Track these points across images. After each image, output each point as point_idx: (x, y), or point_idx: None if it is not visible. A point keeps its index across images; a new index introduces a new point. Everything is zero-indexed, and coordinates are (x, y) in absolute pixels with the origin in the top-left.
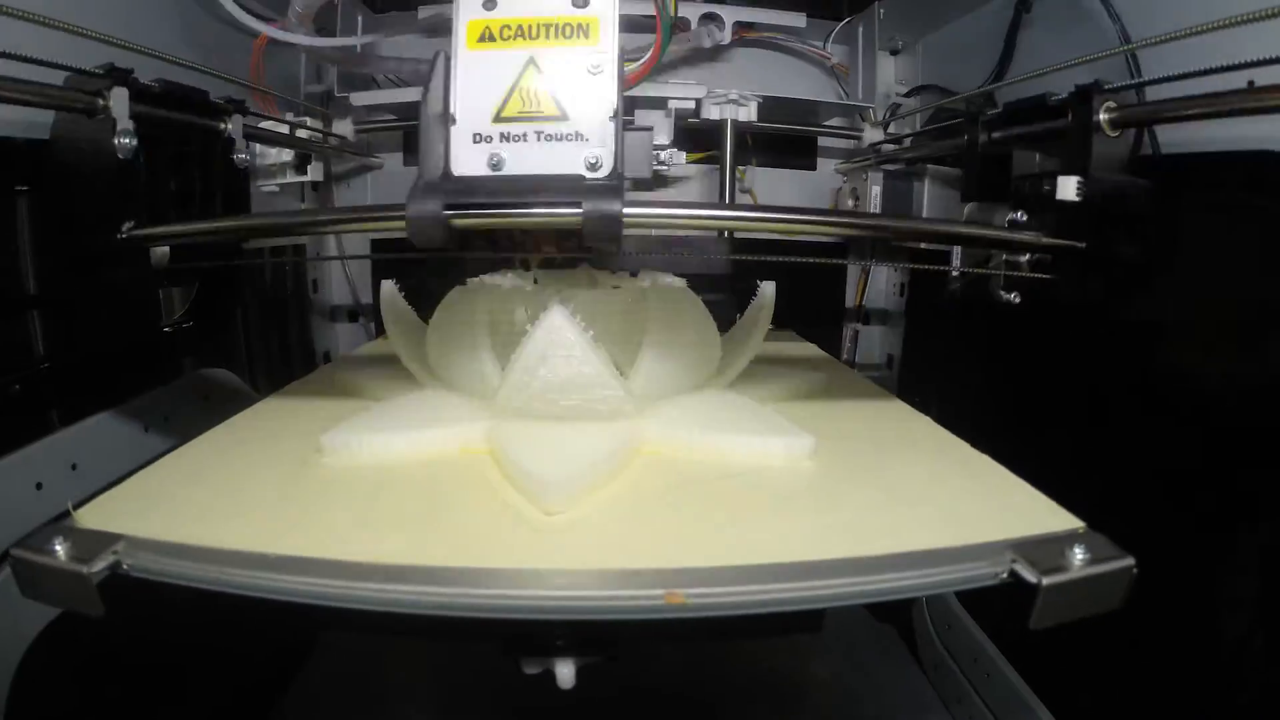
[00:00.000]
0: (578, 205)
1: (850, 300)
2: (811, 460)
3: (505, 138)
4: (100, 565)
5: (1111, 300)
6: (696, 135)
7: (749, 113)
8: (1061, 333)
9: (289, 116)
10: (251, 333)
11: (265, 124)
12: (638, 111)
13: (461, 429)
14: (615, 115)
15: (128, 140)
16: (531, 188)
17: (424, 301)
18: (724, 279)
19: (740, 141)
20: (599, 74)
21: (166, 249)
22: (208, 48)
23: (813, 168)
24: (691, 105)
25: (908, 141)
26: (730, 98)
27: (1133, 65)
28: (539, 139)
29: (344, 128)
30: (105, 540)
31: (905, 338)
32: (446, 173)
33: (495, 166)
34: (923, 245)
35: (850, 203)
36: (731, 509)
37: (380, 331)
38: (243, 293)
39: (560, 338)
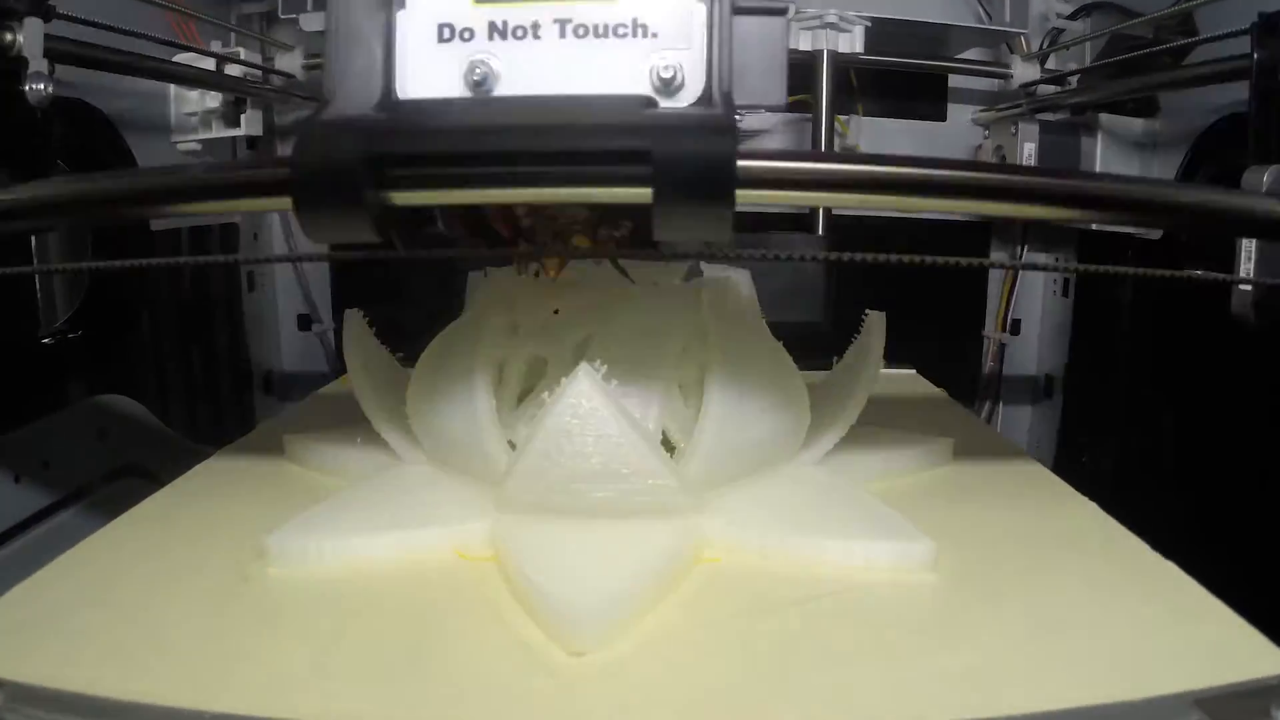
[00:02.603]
0: (643, 157)
1: (993, 302)
2: (932, 573)
3: (498, 31)
4: None
5: None
6: None
7: (853, 41)
8: None
9: (216, 46)
10: (164, 346)
11: (182, 56)
12: None
13: (457, 528)
14: None
15: None
16: (551, 123)
17: (409, 336)
18: (805, 285)
19: (841, 82)
20: None
21: None
22: None
23: (941, 117)
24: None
25: (1073, 81)
26: (827, 20)
27: None
28: (562, 33)
29: (291, 62)
30: None
31: (1071, 354)
32: (386, 97)
33: (479, 85)
34: (1093, 227)
35: None
36: (821, 646)
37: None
38: (151, 291)
39: (589, 411)
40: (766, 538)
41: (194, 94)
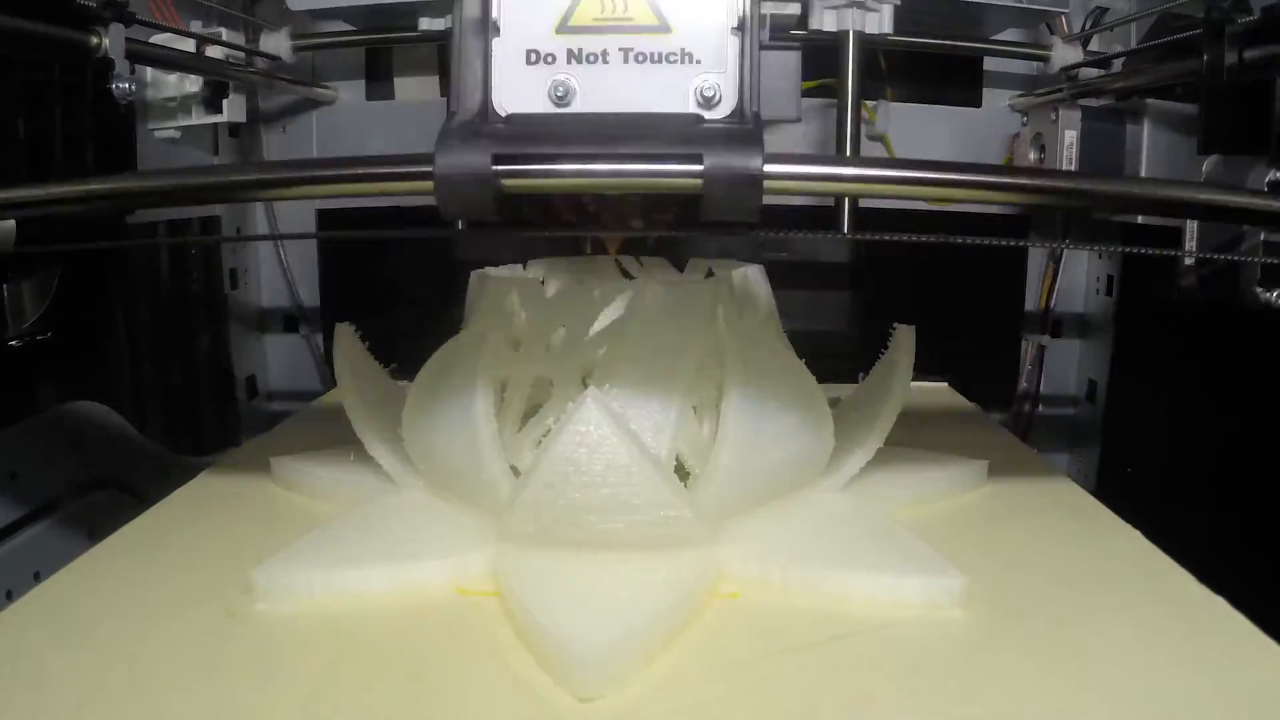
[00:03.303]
0: (696, 160)
1: (1033, 300)
2: (962, 610)
3: (575, 57)
4: None
5: None
6: (804, 57)
7: (881, 21)
8: None
9: (196, 26)
10: (140, 349)
11: (160, 37)
12: None
13: (456, 560)
14: (743, 27)
15: None
16: (623, 132)
17: (403, 337)
18: (830, 291)
19: (869, 65)
20: None
21: (12, 224)
22: None
23: (975, 103)
24: (795, 10)
25: (1118, 65)
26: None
27: None
28: (625, 59)
29: (277, 43)
30: None
31: (1115, 356)
32: (485, 109)
33: (561, 100)
34: (1139, 220)
35: (1033, 154)
36: (844, 691)
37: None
38: (126, 290)
39: (598, 440)
40: (788, 571)
41: (172, 78)
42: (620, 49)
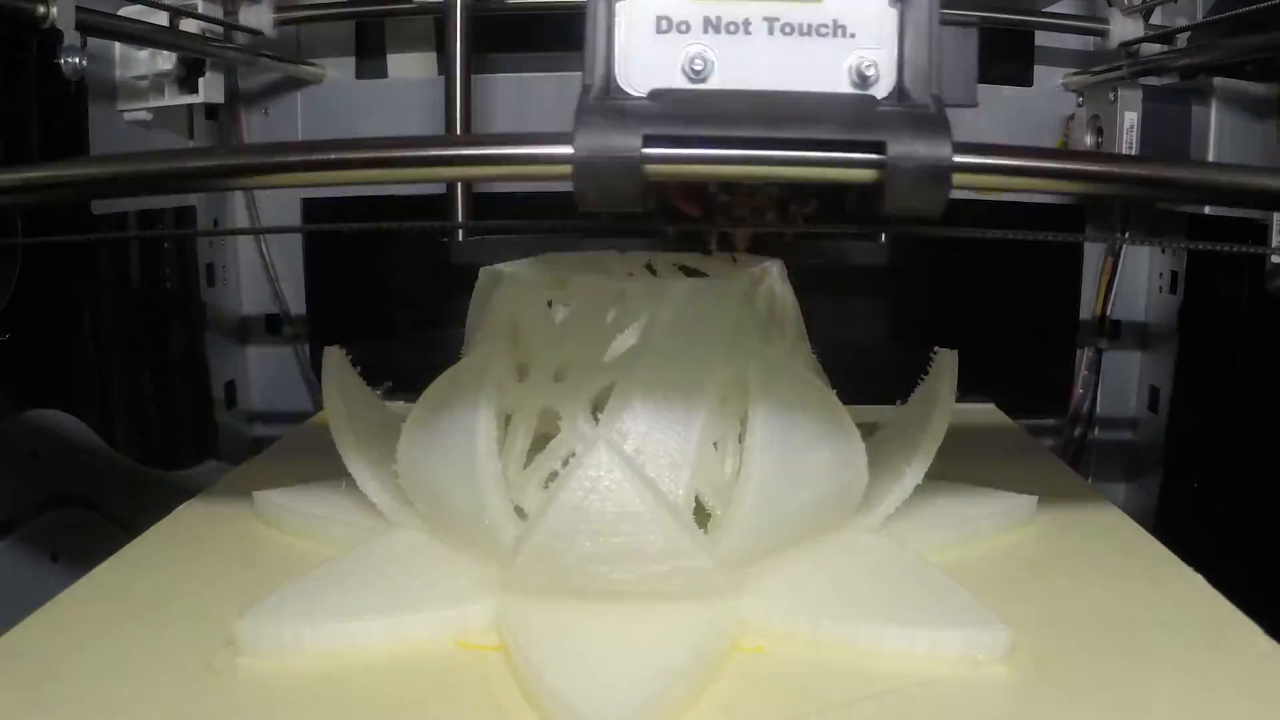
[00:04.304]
0: (877, 147)
1: (1088, 304)
2: (1005, 666)
3: (713, 26)
4: None
5: None
6: None
7: None
8: None
9: None
10: (108, 352)
11: (131, 10)
12: None
13: (456, 612)
14: None
15: None
16: (787, 113)
17: (395, 338)
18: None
19: None
20: None
21: None
22: None
23: (1026, 82)
24: None
25: (1183, 39)
26: None
27: None
28: (770, 30)
29: (258, 16)
30: None
31: (1179, 363)
32: (608, 84)
33: (697, 75)
34: (1206, 210)
35: (1089, 138)
36: None
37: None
38: (93, 287)
39: (610, 487)
40: (817, 623)
41: (143, 54)
42: (765, 18)
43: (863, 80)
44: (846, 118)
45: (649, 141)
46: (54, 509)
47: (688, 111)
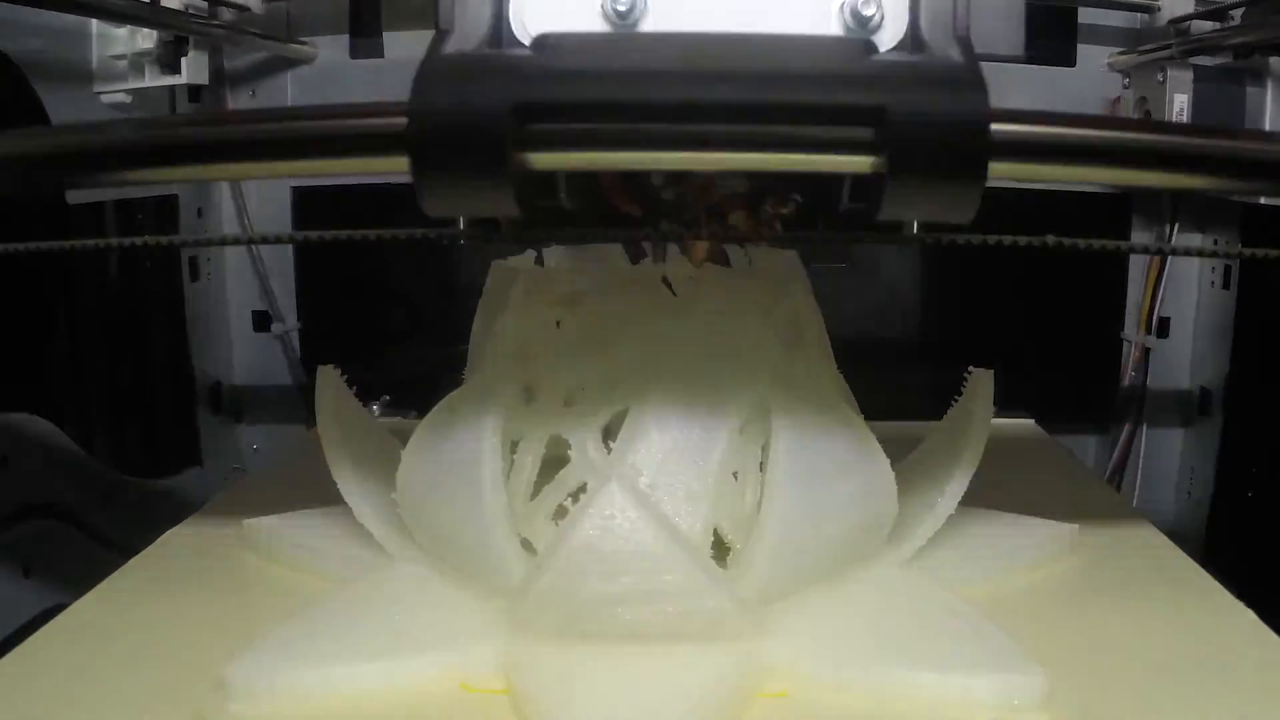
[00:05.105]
0: (875, 116)
1: (1135, 298)
2: (1042, 712)
3: None
4: None
5: None
6: None
7: None
8: None
9: None
10: (84, 352)
11: None
12: None
13: (461, 654)
14: None
15: None
16: (738, 67)
17: (392, 339)
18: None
19: None
20: None
21: None
22: None
23: (1069, 62)
24: None
25: (1236, 16)
26: None
27: None
28: None
29: None
30: None
31: (1234, 361)
32: (498, 31)
33: (624, 15)
34: (1262, 200)
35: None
36: None
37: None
38: (68, 281)
39: (624, 526)
40: (842, 667)
41: (121, 31)
42: None
43: (860, 22)
44: (828, 73)
45: (522, 112)
46: (26, 520)
47: (585, 66)
